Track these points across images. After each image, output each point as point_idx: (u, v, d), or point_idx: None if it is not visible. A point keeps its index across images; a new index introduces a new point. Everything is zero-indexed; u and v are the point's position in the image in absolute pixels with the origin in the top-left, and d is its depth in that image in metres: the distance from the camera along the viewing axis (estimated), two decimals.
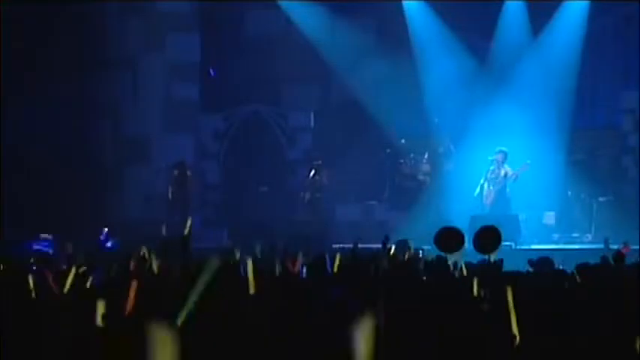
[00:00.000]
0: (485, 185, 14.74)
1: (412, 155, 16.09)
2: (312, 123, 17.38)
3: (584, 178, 15.33)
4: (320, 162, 15.81)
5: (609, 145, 15.87)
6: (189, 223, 5.86)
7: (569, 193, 15.42)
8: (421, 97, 16.09)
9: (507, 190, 14.80)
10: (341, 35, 16.62)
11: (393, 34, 16.53)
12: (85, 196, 15.99)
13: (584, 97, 15.97)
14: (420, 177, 15.73)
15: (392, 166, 16.31)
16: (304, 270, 6.76)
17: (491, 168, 14.78)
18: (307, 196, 15.65)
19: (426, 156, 15.95)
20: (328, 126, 17.08)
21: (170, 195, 15.67)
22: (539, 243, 14.28)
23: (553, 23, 15.98)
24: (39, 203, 15.34)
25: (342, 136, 16.71)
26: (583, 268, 6.39)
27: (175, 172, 15.69)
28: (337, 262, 6.53)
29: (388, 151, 16.41)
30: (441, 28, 16.25)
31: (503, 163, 14.70)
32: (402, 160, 16.13)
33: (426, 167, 15.84)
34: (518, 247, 13.63)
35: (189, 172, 15.76)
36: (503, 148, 14.83)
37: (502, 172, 14.70)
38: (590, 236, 14.60)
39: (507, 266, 6.79)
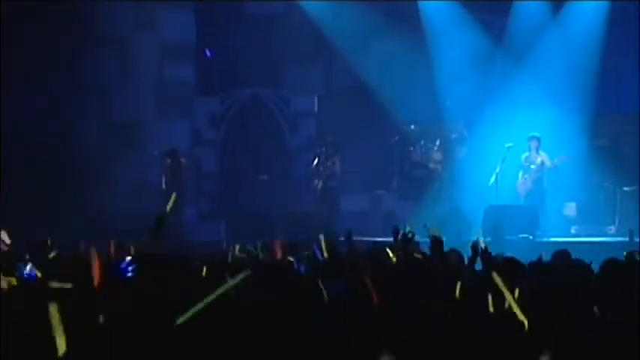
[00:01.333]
0: (520, 174, 14.63)
1: (422, 142, 15.97)
2: (315, 107, 17.26)
3: (608, 165, 15.19)
4: (324, 149, 15.70)
5: (634, 131, 15.73)
6: (173, 198, 5.78)
7: (592, 181, 15.32)
8: (432, 79, 15.95)
9: (544, 179, 14.68)
10: (347, 13, 16.43)
11: (402, 11, 16.37)
12: (71, 186, 15.97)
13: (607, 79, 15.75)
14: (431, 165, 15.59)
15: (401, 153, 16.20)
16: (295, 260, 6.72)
17: (525, 155, 14.67)
18: (320, 184, 15.55)
19: (437, 143, 15.80)
20: (333, 111, 16.93)
21: (163, 185, 15.52)
22: (559, 235, 14.21)
23: (574, 1, 15.87)
24: (23, 194, 15.28)
25: (348, 122, 16.54)
26: (610, 264, 6.27)
27: (168, 161, 15.56)
28: (324, 246, 6.44)
29: (397, 137, 16.28)
30: (453, 5, 16.14)
31: (538, 149, 14.59)
32: (411, 148, 16.02)
33: (437, 155, 15.71)
34: (536, 239, 13.57)
35: (183, 160, 15.63)
36: (536, 134, 14.72)
37: (538, 160, 14.60)
38: (613, 228, 14.46)
39: (526, 260, 6.74)
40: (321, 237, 6.56)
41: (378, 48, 16.25)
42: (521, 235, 13.64)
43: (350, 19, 16.39)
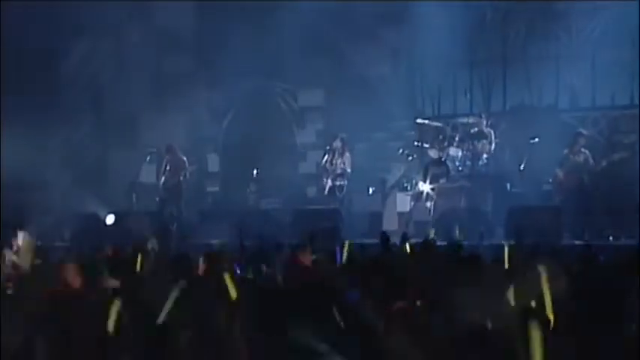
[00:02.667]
0: (559, 172, 14.28)
1: (440, 137, 15.63)
2: (323, 101, 17.16)
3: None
4: (333, 145, 15.34)
5: None
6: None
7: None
8: (450, 68, 15.75)
9: (586, 179, 14.03)
10: (355, 3, 16.17)
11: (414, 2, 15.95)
12: (64, 185, 15.93)
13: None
14: (449, 162, 15.12)
15: (416, 149, 15.77)
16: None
17: (565, 151, 14.04)
18: (329, 183, 15.32)
19: (456, 138, 15.43)
20: (342, 104, 16.51)
21: (161, 184, 15.38)
22: (589, 238, 13.82)
23: None
24: (15, 195, 15.23)
25: (358, 116, 16.09)
26: None
27: (167, 158, 15.35)
28: (346, 250, 6.64)
29: (412, 132, 16.02)
30: None
31: (581, 147, 13.97)
32: (427, 143, 15.60)
33: (455, 151, 15.31)
34: (562, 243, 13.21)
35: (183, 158, 15.39)
36: (583, 131, 14.24)
37: (581, 159, 13.99)
38: None
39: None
40: (346, 243, 7.10)
41: (389, 36, 16.07)
42: (545, 238, 13.42)
43: (359, 6, 16.12)
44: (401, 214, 15.23)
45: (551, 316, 4.32)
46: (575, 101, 15.43)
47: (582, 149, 13.99)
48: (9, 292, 5.05)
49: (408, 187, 15.58)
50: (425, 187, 14.70)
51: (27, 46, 15.99)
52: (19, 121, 15.61)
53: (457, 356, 4.08)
